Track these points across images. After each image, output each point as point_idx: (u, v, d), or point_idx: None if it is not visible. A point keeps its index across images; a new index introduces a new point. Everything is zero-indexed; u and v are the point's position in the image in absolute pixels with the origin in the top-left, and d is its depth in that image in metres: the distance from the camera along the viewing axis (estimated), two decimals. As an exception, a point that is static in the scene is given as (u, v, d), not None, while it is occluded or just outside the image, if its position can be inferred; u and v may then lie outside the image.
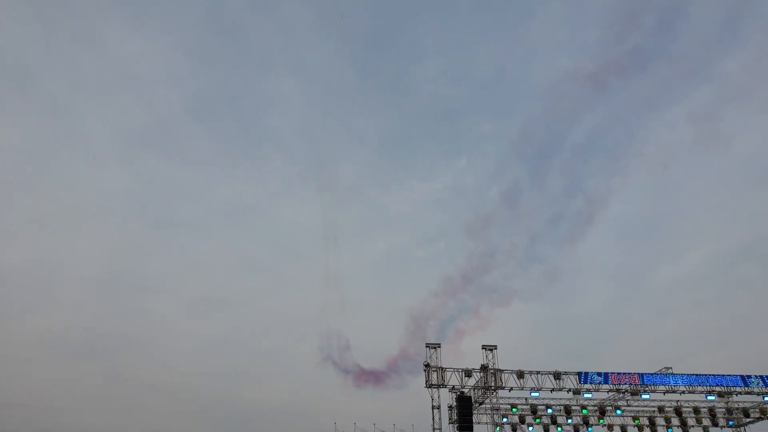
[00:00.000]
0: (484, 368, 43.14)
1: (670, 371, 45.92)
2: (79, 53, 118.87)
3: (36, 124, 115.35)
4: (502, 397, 45.45)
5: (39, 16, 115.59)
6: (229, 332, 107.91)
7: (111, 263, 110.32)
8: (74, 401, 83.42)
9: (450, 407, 45.64)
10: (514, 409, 46.38)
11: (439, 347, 44.20)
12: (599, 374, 44.07)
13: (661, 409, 47.49)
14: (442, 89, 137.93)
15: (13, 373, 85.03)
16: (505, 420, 46.34)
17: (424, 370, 43.46)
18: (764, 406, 46.45)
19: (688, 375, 44.70)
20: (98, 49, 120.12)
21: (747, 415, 47.91)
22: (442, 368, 43.51)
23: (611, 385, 43.97)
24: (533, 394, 43.94)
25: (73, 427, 76.38)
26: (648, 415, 48.32)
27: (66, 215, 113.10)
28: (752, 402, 47.60)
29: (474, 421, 42.64)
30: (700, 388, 44.44)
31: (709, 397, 45.02)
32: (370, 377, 60.91)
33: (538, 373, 43.42)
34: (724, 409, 48.34)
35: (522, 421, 47.28)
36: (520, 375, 43.09)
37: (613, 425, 48.40)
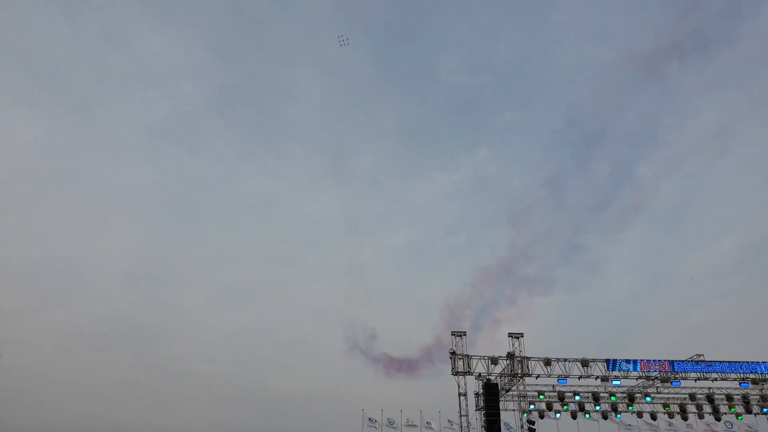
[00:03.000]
0: (510, 356, 42.93)
1: (701, 358, 45.07)
2: (104, 50, 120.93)
3: (64, 120, 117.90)
4: (529, 384, 45.20)
5: (65, 14, 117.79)
6: (255, 323, 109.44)
7: (138, 257, 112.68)
8: (105, 388, 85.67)
9: (477, 394, 45.60)
10: (541, 396, 46.11)
11: (465, 335, 44.12)
12: (628, 361, 43.52)
13: (692, 397, 46.66)
14: (462, 79, 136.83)
15: (48, 361, 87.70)
16: (532, 407, 46.09)
17: (450, 358, 43.45)
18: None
19: (720, 362, 43.79)
20: (123, 46, 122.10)
21: (782, 403, 46.77)
22: (468, 356, 43.44)
23: (640, 372, 43.37)
24: (560, 381, 43.57)
25: (104, 412, 78.52)
26: (679, 402, 47.57)
27: (94, 210, 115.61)
28: (788, 389, 46.50)
29: (501, 408, 42.50)
30: (733, 375, 43.55)
31: (743, 385, 44.04)
32: (398, 365, 61.15)
33: (565, 360, 43.06)
34: (758, 397, 47.25)
35: (549, 408, 46.97)
36: (547, 362, 42.80)
37: (643, 412, 47.82)
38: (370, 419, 49.31)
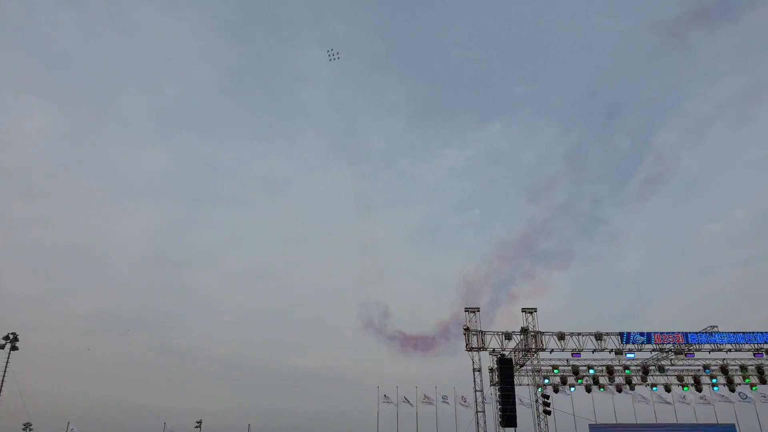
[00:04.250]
0: (524, 331, 43.24)
1: (715, 330, 45.04)
2: (112, 36, 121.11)
3: (75, 108, 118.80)
4: (543, 359, 45.50)
5: (71, 1, 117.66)
6: (270, 303, 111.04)
7: (155, 241, 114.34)
8: (125, 371, 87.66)
9: (491, 370, 46.07)
10: (555, 371, 46.47)
11: (479, 311, 44.41)
12: (642, 334, 43.54)
13: (706, 368, 46.77)
14: (472, 54, 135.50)
15: (68, 346, 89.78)
16: (546, 381, 46.51)
17: (464, 334, 43.82)
18: (816, 362, 45.25)
19: (734, 333, 43.73)
20: (131, 31, 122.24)
21: (797, 373, 46.76)
22: (482, 332, 43.78)
23: (654, 345, 43.49)
24: (574, 356, 43.81)
25: (125, 395, 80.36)
26: (693, 374, 47.73)
27: (109, 196, 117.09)
28: (803, 359, 46.39)
29: (515, 383, 42.91)
30: (747, 346, 43.50)
31: (757, 355, 43.96)
32: (413, 343, 61.71)
33: (579, 334, 43.23)
34: (772, 367, 47.27)
35: (564, 382, 47.39)
36: (561, 337, 43.01)
37: (657, 384, 48.10)
38: (385, 396, 50.18)
